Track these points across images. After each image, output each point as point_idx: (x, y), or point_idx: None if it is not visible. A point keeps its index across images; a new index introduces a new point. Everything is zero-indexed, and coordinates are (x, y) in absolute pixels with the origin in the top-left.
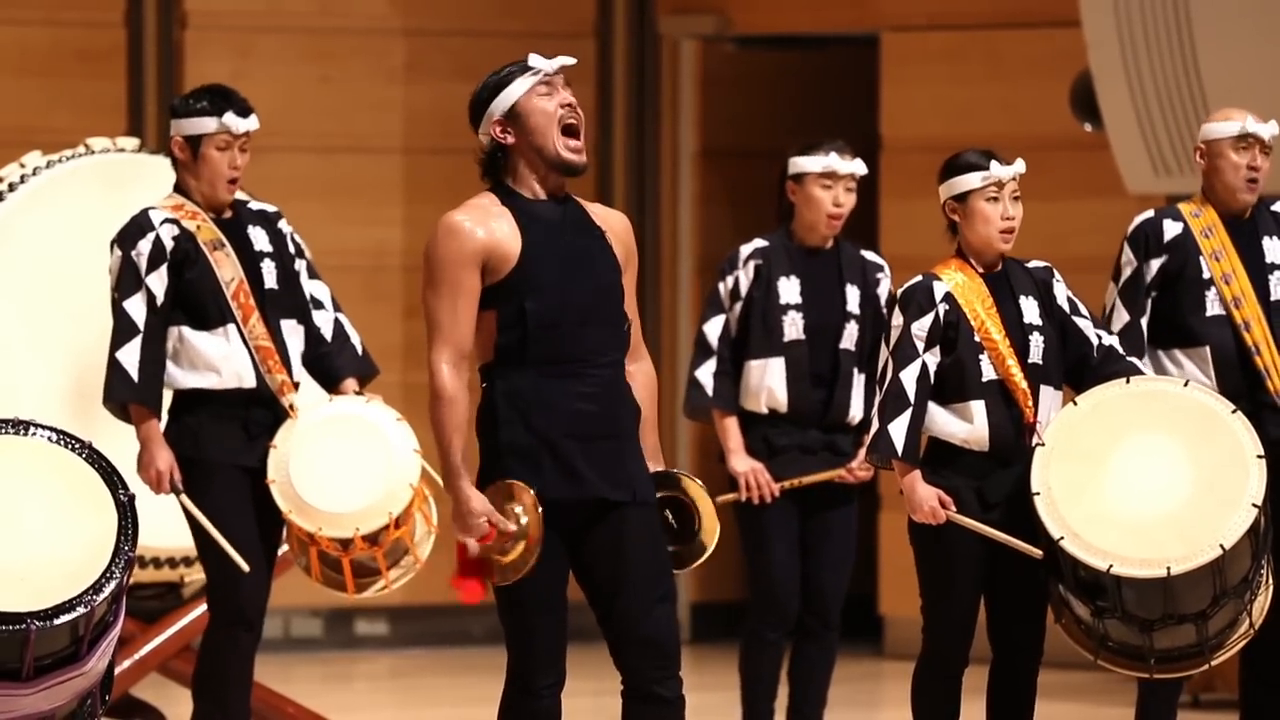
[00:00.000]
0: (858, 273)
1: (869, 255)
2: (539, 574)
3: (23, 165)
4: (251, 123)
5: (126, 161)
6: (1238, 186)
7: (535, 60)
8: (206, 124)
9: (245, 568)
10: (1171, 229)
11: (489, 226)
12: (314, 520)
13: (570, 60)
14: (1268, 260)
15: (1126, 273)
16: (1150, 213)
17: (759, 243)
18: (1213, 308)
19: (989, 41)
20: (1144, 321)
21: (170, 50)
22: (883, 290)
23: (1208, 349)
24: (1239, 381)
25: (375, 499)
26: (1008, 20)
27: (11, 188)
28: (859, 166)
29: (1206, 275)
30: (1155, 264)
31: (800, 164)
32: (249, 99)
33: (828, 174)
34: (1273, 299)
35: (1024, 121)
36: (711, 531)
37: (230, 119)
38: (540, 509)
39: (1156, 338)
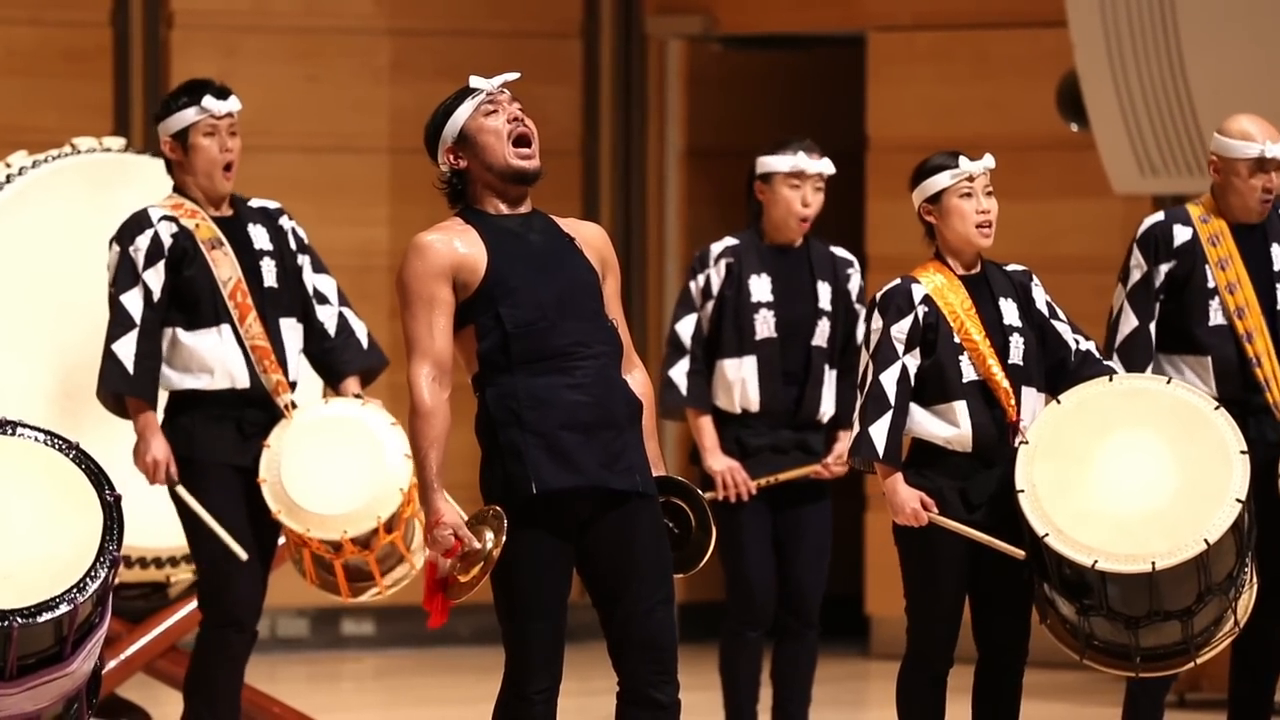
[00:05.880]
0: (828, 269)
1: (838, 251)
2: (538, 580)
3: (8, 165)
4: (232, 104)
5: (112, 161)
6: (1253, 208)
7: (476, 81)
8: (188, 115)
9: (243, 556)
10: (1181, 234)
11: (457, 242)
12: (303, 521)
13: (513, 75)
14: (1276, 269)
15: (1135, 276)
16: (1160, 216)
17: (730, 241)
18: (1215, 317)
19: (975, 41)
20: (1152, 327)
21: (156, 50)
22: (853, 286)
23: (1209, 359)
24: (1238, 390)
25: (364, 502)
26: (994, 20)
27: None
28: (827, 166)
29: (1211, 284)
30: (1164, 269)
31: (768, 163)
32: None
33: (795, 173)
34: (1279, 308)
35: (1010, 121)
36: (709, 530)
37: (209, 102)
38: (505, 537)
39: (1161, 342)
